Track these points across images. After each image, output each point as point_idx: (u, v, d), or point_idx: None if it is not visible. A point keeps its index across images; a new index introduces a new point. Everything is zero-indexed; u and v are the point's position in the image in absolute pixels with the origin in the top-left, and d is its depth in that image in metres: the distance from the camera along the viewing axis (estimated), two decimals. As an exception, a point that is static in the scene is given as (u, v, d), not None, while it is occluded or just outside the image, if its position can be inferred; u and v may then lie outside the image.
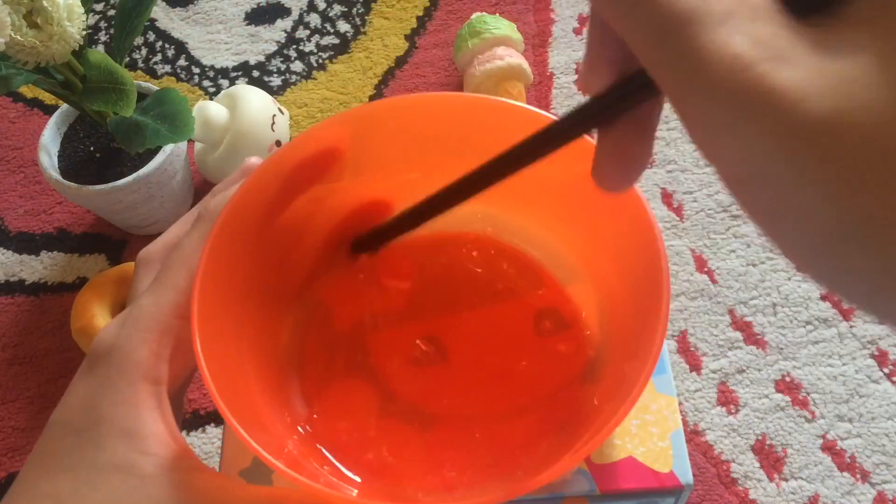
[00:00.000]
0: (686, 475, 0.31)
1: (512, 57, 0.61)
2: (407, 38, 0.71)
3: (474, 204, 0.37)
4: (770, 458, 0.47)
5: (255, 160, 0.31)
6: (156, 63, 0.71)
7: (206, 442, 0.50)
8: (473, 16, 0.65)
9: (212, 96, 0.68)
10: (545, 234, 0.36)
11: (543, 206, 0.35)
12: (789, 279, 0.54)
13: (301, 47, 0.71)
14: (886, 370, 0.50)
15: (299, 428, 0.32)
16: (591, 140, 0.31)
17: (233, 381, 0.28)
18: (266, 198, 0.31)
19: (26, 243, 0.60)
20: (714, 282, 0.54)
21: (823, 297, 0.53)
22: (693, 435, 0.48)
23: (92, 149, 0.56)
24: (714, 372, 0.51)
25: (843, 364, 0.50)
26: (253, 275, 0.32)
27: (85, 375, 0.26)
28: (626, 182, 0.22)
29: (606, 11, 0.17)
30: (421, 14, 0.72)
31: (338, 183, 0.34)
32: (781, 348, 0.51)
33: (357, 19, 0.73)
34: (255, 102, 0.59)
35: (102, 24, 0.75)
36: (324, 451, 0.31)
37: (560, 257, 0.36)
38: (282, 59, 0.71)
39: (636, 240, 0.30)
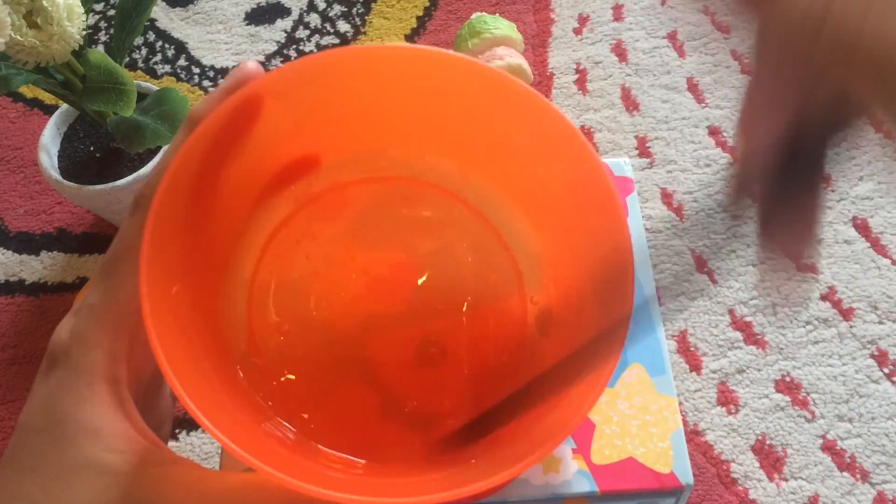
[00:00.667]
0: (686, 476, 0.31)
1: (512, 57, 0.61)
2: (407, 38, 0.71)
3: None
4: (770, 458, 0.47)
5: (251, 64, 0.28)
6: (156, 63, 0.71)
7: (206, 442, 0.50)
8: (473, 16, 0.65)
9: (212, 96, 0.68)
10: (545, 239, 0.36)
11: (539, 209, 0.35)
12: (789, 279, 0.54)
13: (301, 47, 0.71)
14: (886, 370, 0.50)
15: (288, 427, 0.32)
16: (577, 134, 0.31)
17: (202, 381, 0.27)
18: (197, 169, 0.30)
19: (26, 243, 0.60)
20: (714, 282, 0.54)
21: (823, 298, 0.53)
22: (693, 435, 0.48)
23: (92, 149, 0.56)
24: (714, 372, 0.51)
25: (843, 364, 0.50)
26: (198, 253, 0.31)
27: (44, 377, 0.26)
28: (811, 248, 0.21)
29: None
30: (421, 14, 0.72)
31: (267, 145, 0.33)
32: (781, 348, 0.51)
33: (357, 19, 0.73)
34: (255, 102, 0.59)
35: (102, 24, 0.75)
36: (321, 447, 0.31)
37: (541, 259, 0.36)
38: (282, 60, 0.70)
39: (605, 232, 0.30)
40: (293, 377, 0.34)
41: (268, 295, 0.36)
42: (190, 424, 0.51)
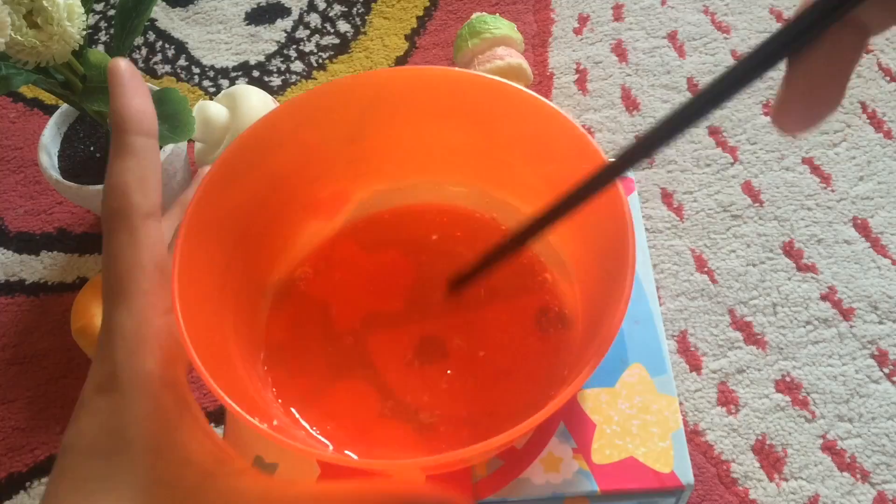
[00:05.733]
0: (687, 475, 0.31)
1: (512, 57, 0.61)
2: (407, 38, 0.71)
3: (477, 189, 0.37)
4: (770, 458, 0.47)
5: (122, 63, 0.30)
6: (156, 63, 0.71)
7: (206, 442, 0.50)
8: (473, 16, 0.65)
9: (212, 96, 0.68)
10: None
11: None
12: (789, 279, 0.54)
13: (301, 47, 0.71)
14: (886, 370, 0.50)
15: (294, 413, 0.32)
16: (587, 136, 0.31)
17: (230, 374, 0.28)
18: (230, 188, 0.32)
19: (26, 243, 0.60)
20: (714, 282, 0.54)
21: (823, 297, 0.53)
22: (693, 435, 0.48)
23: (92, 149, 0.56)
24: (714, 372, 0.51)
25: (843, 364, 0.50)
26: (229, 267, 0.32)
27: (93, 400, 0.25)
28: (810, 123, 0.19)
29: None
30: (421, 14, 0.72)
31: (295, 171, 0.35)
32: (781, 348, 0.51)
33: (357, 19, 0.73)
34: (255, 102, 0.59)
35: (102, 24, 0.75)
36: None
37: (556, 255, 0.36)
38: (282, 59, 0.70)
39: (608, 225, 0.30)
40: (297, 373, 0.34)
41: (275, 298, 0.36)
42: (190, 424, 0.51)
